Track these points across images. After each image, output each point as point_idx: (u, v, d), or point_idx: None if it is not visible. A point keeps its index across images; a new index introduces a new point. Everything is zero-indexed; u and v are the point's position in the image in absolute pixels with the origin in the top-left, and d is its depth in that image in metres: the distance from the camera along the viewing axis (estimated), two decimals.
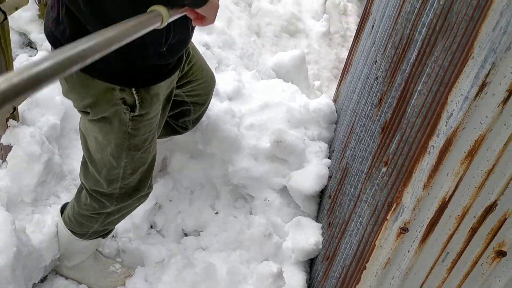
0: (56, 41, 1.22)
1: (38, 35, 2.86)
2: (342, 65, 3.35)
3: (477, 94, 0.85)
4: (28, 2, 1.78)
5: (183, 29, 1.25)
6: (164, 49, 1.23)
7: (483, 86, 0.84)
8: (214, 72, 1.81)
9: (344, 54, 3.40)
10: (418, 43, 1.20)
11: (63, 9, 1.16)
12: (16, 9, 1.71)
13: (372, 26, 1.86)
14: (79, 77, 1.23)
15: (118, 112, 1.29)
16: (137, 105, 1.28)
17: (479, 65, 0.84)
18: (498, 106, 0.84)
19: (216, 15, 1.17)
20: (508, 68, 0.81)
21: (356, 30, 2.25)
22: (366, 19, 2.05)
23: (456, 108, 0.88)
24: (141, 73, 1.26)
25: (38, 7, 2.90)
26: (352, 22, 3.83)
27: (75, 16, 1.14)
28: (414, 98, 1.12)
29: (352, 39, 3.64)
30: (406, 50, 1.30)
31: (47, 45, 2.82)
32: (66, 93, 1.35)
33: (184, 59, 1.46)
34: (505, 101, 0.83)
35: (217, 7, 1.16)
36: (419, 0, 1.31)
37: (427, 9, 1.21)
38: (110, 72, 1.22)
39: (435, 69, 1.03)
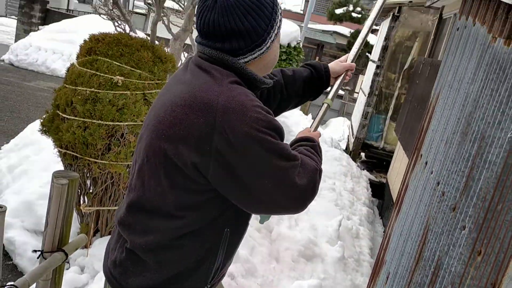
0: (113, 280, 1.36)
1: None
2: None
3: None
4: (86, 241, 2.04)
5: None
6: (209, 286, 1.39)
7: None
8: None
9: (359, 279, 3.54)
10: None
11: (124, 253, 1.33)
12: (76, 249, 1.96)
13: (387, 278, 2.05)
14: None
15: None
16: None
17: None
18: None
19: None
20: None
21: (371, 273, 2.44)
22: (381, 266, 2.27)
23: None
24: None
25: (79, 226, 3.22)
26: (365, 245, 4.07)
27: (136, 261, 1.30)
28: None
29: (365, 263, 3.83)
30: None
31: (80, 260, 3.05)
32: None
33: None
34: None
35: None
36: (426, 282, 1.53)
37: None
38: None
39: None
